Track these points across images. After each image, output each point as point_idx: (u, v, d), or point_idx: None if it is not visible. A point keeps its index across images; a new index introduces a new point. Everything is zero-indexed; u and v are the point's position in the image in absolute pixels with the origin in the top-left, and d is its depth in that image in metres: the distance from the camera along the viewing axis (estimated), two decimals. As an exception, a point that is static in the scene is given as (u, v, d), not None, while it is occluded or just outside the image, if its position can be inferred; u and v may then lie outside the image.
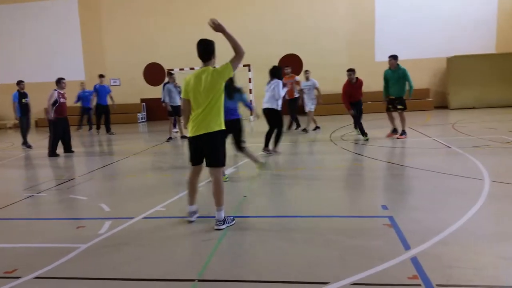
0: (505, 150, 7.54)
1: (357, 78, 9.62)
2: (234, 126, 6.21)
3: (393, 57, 9.38)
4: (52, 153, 9.59)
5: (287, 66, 11.97)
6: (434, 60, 16.84)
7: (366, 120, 11.21)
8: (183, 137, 10.63)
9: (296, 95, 11.67)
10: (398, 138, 9.41)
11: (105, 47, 18.57)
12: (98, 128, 14.16)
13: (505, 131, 9.76)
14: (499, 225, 4.05)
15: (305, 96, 11.47)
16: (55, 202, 5.76)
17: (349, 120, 12.26)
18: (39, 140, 12.65)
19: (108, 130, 14.00)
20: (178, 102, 11.10)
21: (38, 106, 17.01)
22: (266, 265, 3.35)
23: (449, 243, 3.57)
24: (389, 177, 6.26)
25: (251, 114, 10.08)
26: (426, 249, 3.44)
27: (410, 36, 16.77)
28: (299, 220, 4.45)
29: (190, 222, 4.38)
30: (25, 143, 11.43)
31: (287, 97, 11.23)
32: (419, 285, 2.86)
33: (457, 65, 15.88)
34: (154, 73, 17.77)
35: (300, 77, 12.45)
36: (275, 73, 8.17)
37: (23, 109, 11.39)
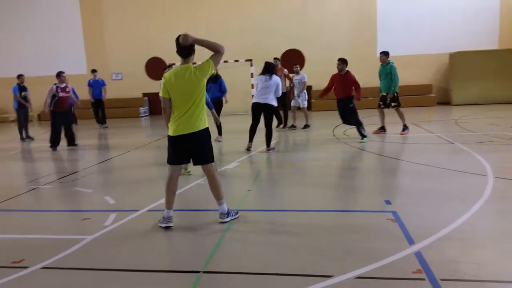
0: (509, 146, 7.55)
1: (347, 71, 8.91)
2: None
3: (384, 53, 9.51)
4: (53, 146, 9.58)
5: (276, 58, 11.52)
6: (437, 56, 16.77)
7: (367, 116, 11.21)
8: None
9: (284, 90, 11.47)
10: (400, 134, 9.42)
11: (106, 41, 18.52)
12: (97, 122, 14.18)
13: (508, 127, 9.75)
14: (503, 220, 4.07)
15: (295, 91, 11.31)
16: (60, 195, 5.80)
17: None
18: (42, 134, 12.67)
19: (102, 123, 14.04)
20: None
21: (40, 100, 16.94)
22: (271, 258, 3.37)
23: (453, 238, 3.58)
24: (393, 173, 6.27)
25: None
26: (430, 244, 3.46)
27: (412, 32, 16.68)
28: (304, 214, 4.47)
29: (168, 228, 4.06)
30: (22, 137, 11.52)
31: None
32: (423, 279, 2.88)
33: (460, 61, 15.82)
34: (156, 67, 17.71)
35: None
36: (271, 69, 8.11)
37: (22, 102, 11.50)
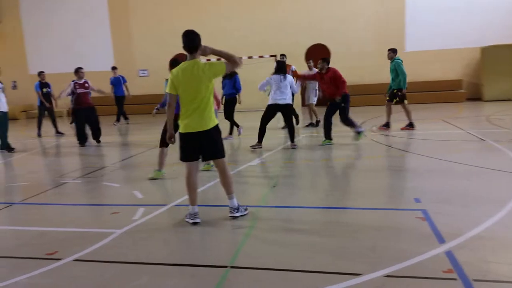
0: (543, 144, 7.27)
1: (329, 68, 8.07)
2: None
3: (392, 50, 9.77)
4: (80, 142, 9.69)
5: (282, 55, 11.44)
6: (468, 50, 16.25)
7: (396, 112, 10.99)
8: None
9: None
10: (401, 129, 9.46)
11: (133, 37, 18.81)
12: (122, 119, 14.38)
13: (543, 124, 9.40)
14: (538, 220, 3.92)
15: (308, 88, 11.12)
16: (90, 189, 5.95)
17: (378, 111, 12.10)
18: (71, 130, 13.00)
19: (124, 119, 14.32)
20: None
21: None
22: (297, 255, 3.37)
23: (484, 237, 3.49)
24: (421, 170, 6.13)
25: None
26: (461, 243, 3.38)
27: (442, 25, 16.18)
28: (329, 212, 4.44)
29: (196, 224, 4.10)
30: (39, 133, 11.94)
31: None
32: (455, 279, 2.82)
33: (492, 55, 15.29)
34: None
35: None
36: (284, 68, 8.12)
37: (44, 99, 11.93)
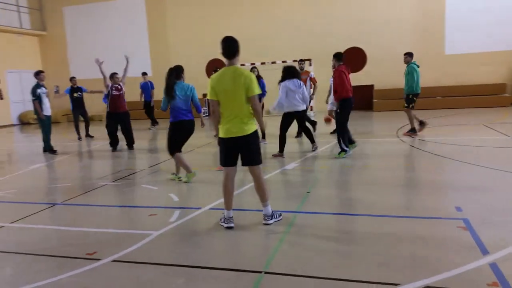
0: None
1: (339, 66, 7.42)
2: (185, 127, 6.10)
3: (408, 54, 9.61)
4: (112, 146, 9.92)
5: (302, 60, 11.14)
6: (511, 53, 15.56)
7: (436, 117, 10.67)
8: None
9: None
10: (404, 134, 9.52)
11: (170, 43, 19.24)
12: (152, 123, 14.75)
13: None
14: None
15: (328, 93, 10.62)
16: (128, 191, 6.10)
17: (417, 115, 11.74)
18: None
19: (153, 124, 14.65)
20: None
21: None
22: (332, 263, 3.31)
23: (533, 250, 3.30)
24: (462, 178, 5.90)
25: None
26: (507, 255, 3.22)
27: (484, 27, 15.56)
28: (366, 219, 4.34)
29: (230, 228, 4.14)
30: (79, 137, 12.37)
31: None
32: (501, 293, 2.69)
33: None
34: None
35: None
36: (298, 73, 8.01)
37: (76, 103, 12.44)
